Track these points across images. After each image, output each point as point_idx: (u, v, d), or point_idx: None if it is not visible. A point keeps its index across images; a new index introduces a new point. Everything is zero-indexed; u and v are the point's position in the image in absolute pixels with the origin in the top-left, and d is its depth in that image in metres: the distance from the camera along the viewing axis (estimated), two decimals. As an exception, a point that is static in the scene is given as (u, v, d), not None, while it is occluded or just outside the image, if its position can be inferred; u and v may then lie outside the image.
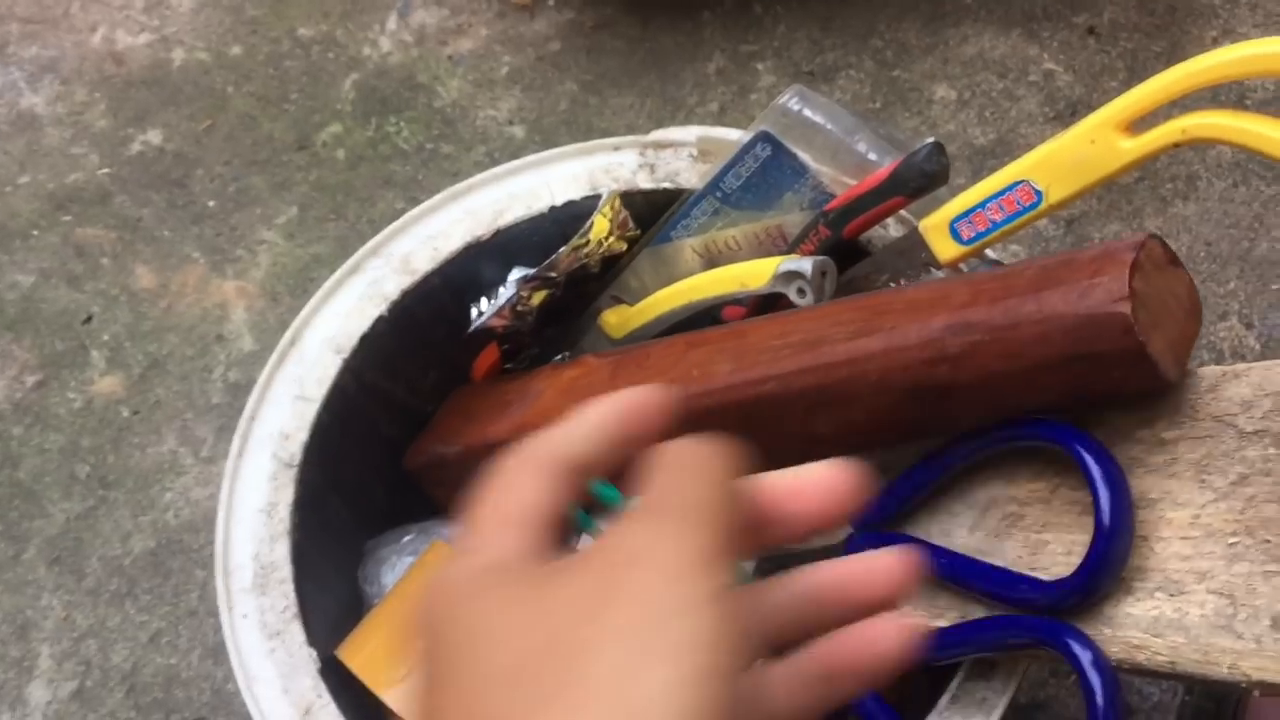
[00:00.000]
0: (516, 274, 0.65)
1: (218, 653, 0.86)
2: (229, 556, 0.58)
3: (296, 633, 0.56)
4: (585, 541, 0.64)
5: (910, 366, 0.47)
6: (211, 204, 1.07)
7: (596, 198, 0.65)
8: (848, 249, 0.61)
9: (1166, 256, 0.44)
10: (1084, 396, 0.45)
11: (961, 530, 0.49)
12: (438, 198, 0.66)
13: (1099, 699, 0.40)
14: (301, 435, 0.61)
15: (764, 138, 0.60)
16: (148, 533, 0.92)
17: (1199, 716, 0.60)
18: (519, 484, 0.30)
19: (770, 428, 0.53)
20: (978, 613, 0.46)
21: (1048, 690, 0.75)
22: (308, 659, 0.55)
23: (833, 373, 0.50)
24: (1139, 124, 0.48)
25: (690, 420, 0.54)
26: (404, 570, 0.63)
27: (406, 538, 0.65)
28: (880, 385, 0.48)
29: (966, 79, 1.01)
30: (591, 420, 0.32)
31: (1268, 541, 0.39)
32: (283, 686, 0.54)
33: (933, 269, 0.56)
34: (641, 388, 0.33)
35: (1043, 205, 0.51)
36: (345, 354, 0.63)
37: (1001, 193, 0.52)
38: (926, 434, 0.50)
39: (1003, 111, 0.98)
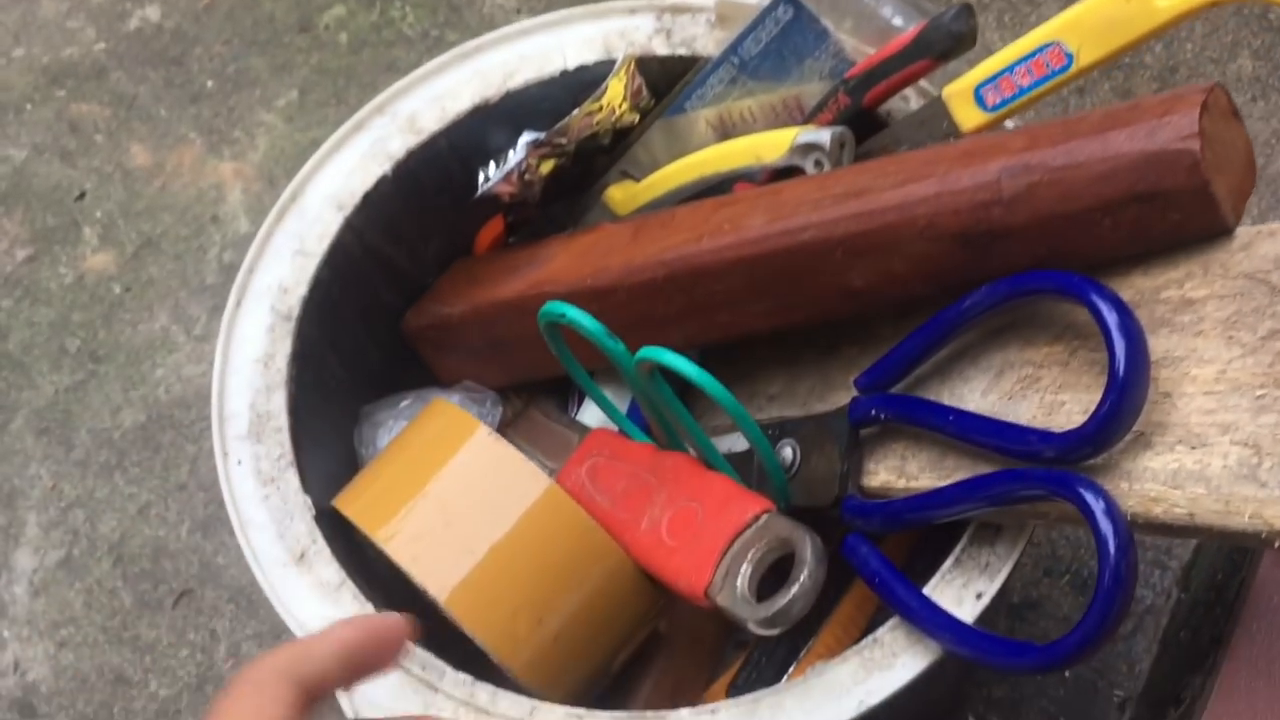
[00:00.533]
0: (527, 138, 0.64)
1: (207, 526, 0.85)
2: (224, 404, 0.57)
3: (291, 480, 0.55)
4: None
5: (962, 210, 0.46)
6: (210, 84, 1.05)
7: (610, 63, 0.64)
8: (867, 121, 0.59)
9: (1230, 107, 0.44)
10: (1139, 242, 0.44)
11: (974, 394, 0.49)
12: (446, 56, 0.64)
13: (1111, 548, 0.39)
14: (300, 289, 0.60)
15: (786, 0, 0.58)
16: (138, 407, 0.91)
17: (1195, 610, 0.60)
18: (256, 699, 0.32)
19: (804, 280, 0.52)
20: (987, 471, 0.46)
21: (1040, 590, 0.75)
22: (303, 505, 0.54)
23: (879, 218, 0.48)
24: (1179, -20, 0.47)
25: (720, 274, 0.54)
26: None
27: (404, 403, 0.64)
28: (928, 231, 0.47)
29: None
30: (334, 639, 0.34)
31: (1295, 394, 0.39)
32: (277, 532, 0.54)
33: (953, 138, 0.54)
34: (384, 616, 0.35)
35: (1073, 68, 0.50)
36: (347, 211, 0.62)
37: (1030, 55, 0.51)
38: (966, 286, 0.49)
39: (1022, 16, 0.97)
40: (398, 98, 0.64)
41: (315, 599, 0.52)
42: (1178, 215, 0.42)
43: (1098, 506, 0.40)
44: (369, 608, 0.52)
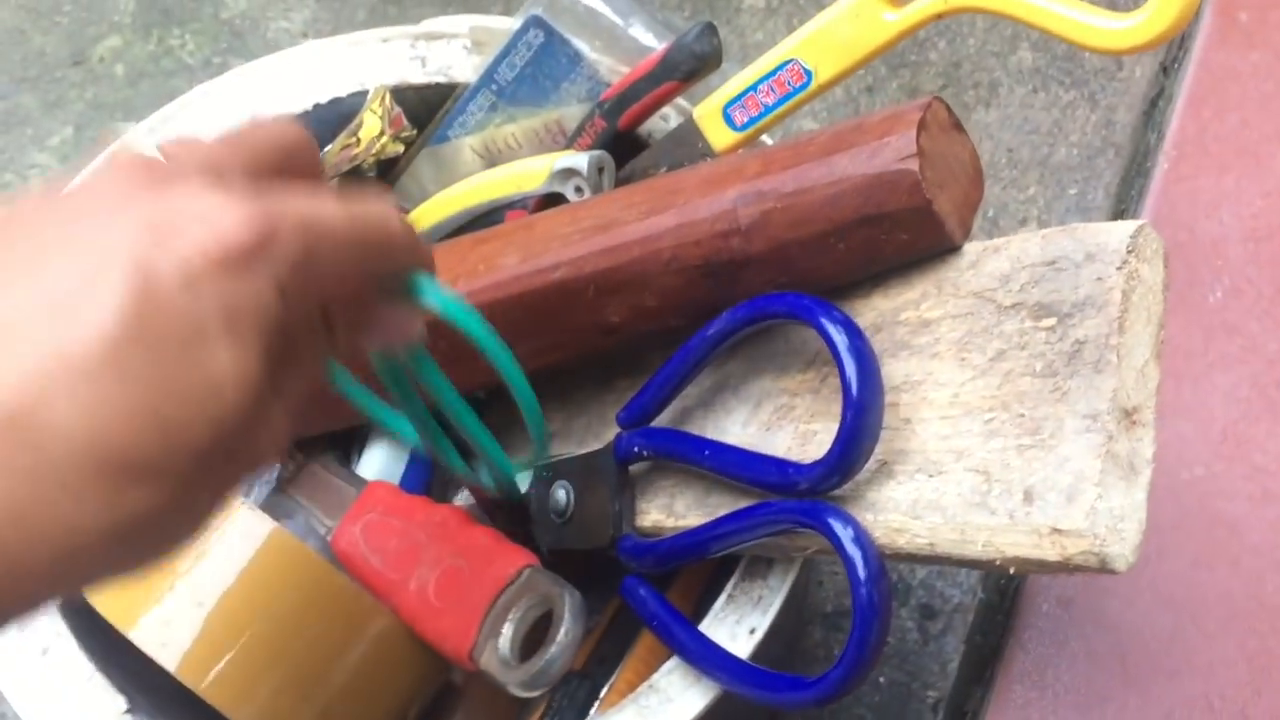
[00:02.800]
0: (280, 178, 0.60)
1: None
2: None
3: (30, 568, 0.51)
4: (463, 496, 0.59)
5: (702, 241, 0.45)
6: (-24, 126, 0.99)
7: (364, 94, 0.61)
8: (629, 142, 0.58)
9: (951, 120, 0.43)
10: (874, 262, 0.43)
11: (736, 425, 0.48)
12: (186, 96, 0.61)
13: (861, 576, 0.38)
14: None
15: (535, 23, 0.57)
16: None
17: (988, 611, 0.60)
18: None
19: (561, 319, 0.50)
20: (746, 505, 0.44)
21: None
22: (42, 595, 0.50)
23: (625, 253, 0.47)
24: (904, -5, 0.46)
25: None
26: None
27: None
28: (673, 264, 0.46)
29: (775, -13, 0.99)
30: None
31: (1022, 415, 0.38)
32: (16, 626, 0.50)
33: (709, 158, 0.53)
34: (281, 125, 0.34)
35: (813, 85, 0.49)
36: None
37: (772, 74, 0.50)
38: (718, 313, 0.48)
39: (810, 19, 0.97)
40: (138, 139, 0.60)
41: (60, 697, 0.48)
42: (905, 235, 0.41)
43: (845, 535, 0.39)
44: (120, 701, 0.48)
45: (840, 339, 0.39)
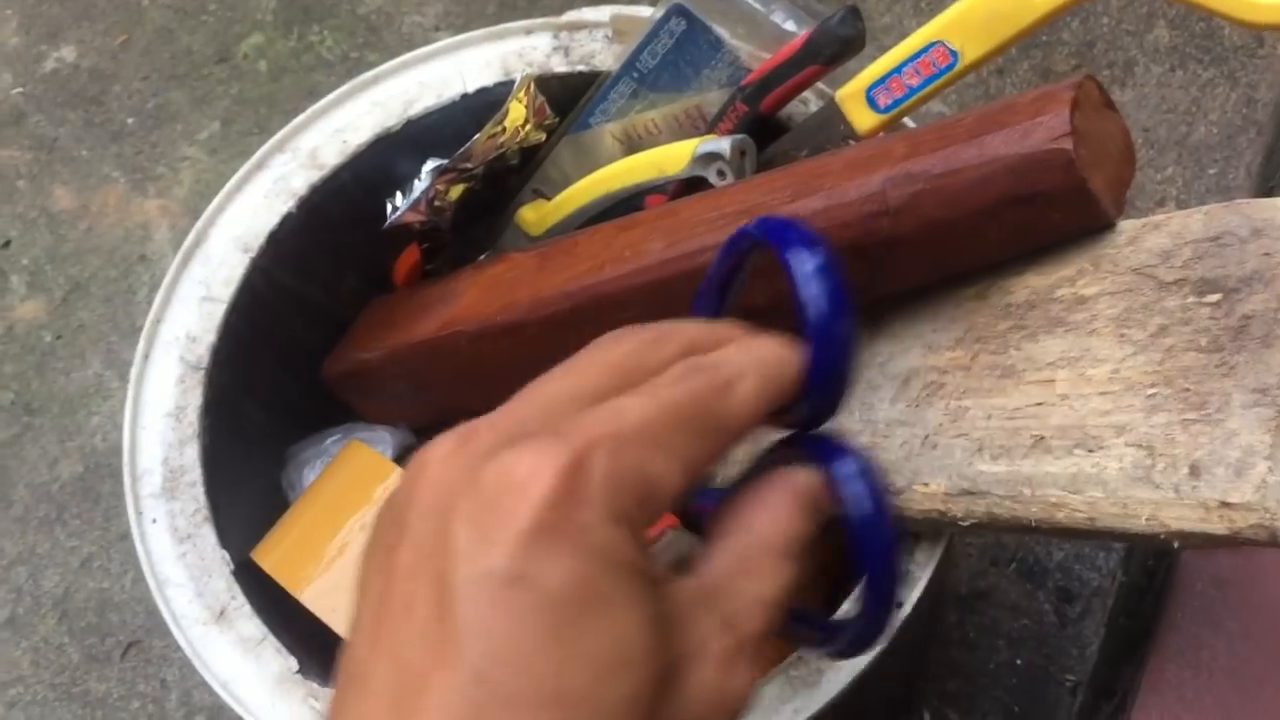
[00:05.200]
0: (431, 165, 0.63)
1: (150, 575, 0.84)
2: (136, 462, 0.56)
3: (208, 535, 0.54)
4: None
5: (851, 222, 0.46)
6: (130, 121, 1.04)
7: (510, 84, 0.63)
8: (769, 126, 0.59)
9: (1102, 99, 0.43)
10: (1026, 242, 0.44)
11: (883, 402, 0.48)
12: (343, 89, 0.63)
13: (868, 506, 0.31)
14: (209, 337, 0.59)
15: (677, 11, 0.58)
16: (75, 458, 0.89)
17: (1132, 595, 0.60)
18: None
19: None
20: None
21: (988, 579, 0.75)
22: (220, 561, 0.53)
23: None
24: (1055, -27, 0.46)
25: (624, 303, 0.53)
26: (325, 474, 0.61)
27: (330, 439, 0.64)
28: None
29: (903, -31, 0.98)
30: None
31: (1186, 390, 0.38)
32: (195, 590, 0.53)
33: (851, 141, 0.54)
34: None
35: (959, 65, 0.49)
36: (253, 253, 0.61)
37: (917, 55, 0.50)
38: (868, 295, 0.49)
39: (938, 2, 0.96)
40: (297, 133, 0.63)
41: (237, 656, 0.51)
42: (1059, 214, 0.42)
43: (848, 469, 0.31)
44: (291, 661, 0.51)
45: (802, 266, 0.32)
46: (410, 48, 1.04)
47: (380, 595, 0.27)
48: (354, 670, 0.27)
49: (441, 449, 0.28)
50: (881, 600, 0.32)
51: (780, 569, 0.29)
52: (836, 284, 0.32)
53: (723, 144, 0.56)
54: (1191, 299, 0.40)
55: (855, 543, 0.31)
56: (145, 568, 0.53)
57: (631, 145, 0.63)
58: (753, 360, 0.31)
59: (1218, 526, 0.35)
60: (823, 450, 0.32)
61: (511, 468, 0.26)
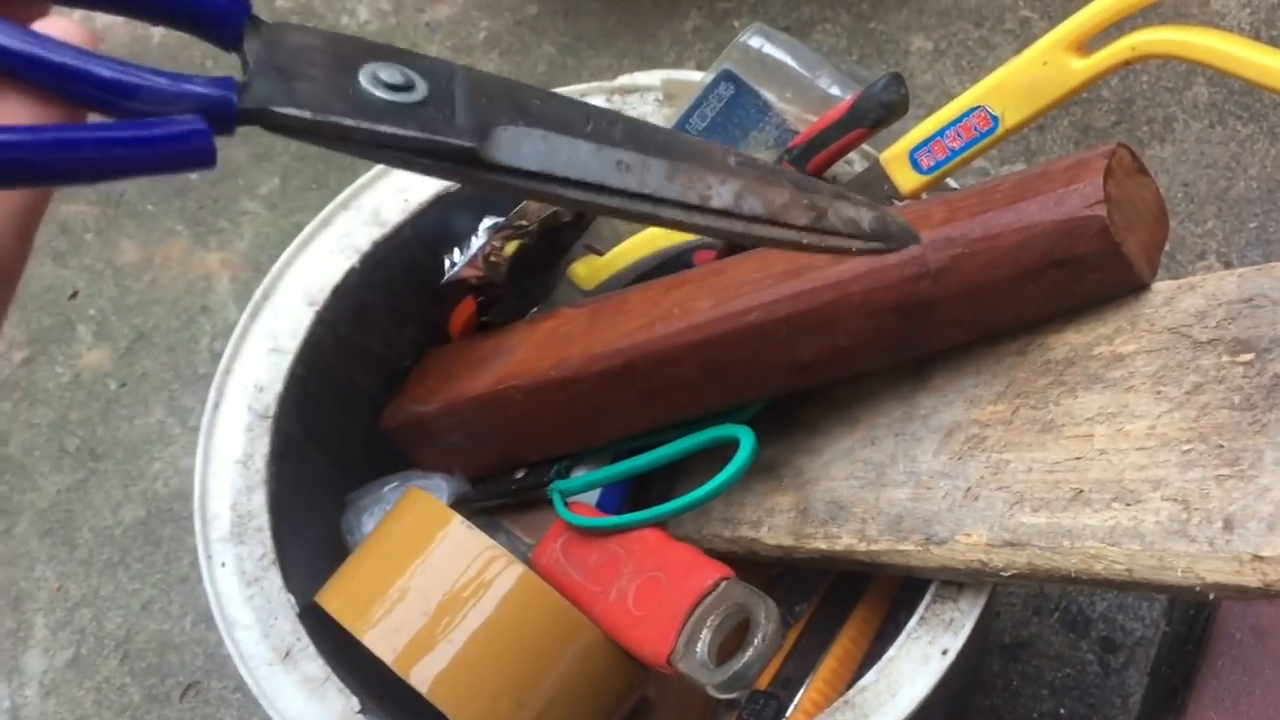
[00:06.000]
0: (488, 223, 0.65)
1: (210, 618, 0.85)
2: (206, 507, 0.58)
3: (274, 579, 0.56)
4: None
5: (893, 285, 0.48)
6: (193, 177, 1.08)
7: (565, 145, 0.65)
8: (814, 187, 0.61)
9: (1135, 164, 0.45)
10: (1062, 303, 0.45)
11: (926, 454, 0.50)
12: (405, 150, 0.66)
13: None
14: (276, 387, 0.62)
15: (727, 76, 0.60)
16: (138, 502, 0.92)
17: (1174, 644, 0.60)
18: None
19: (753, 360, 0.53)
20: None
21: (1030, 629, 0.75)
22: (286, 604, 0.55)
23: (817, 297, 0.50)
24: (1090, 44, 0.48)
25: (674, 359, 0.55)
26: (384, 520, 0.63)
27: (388, 487, 0.66)
28: (864, 307, 0.49)
29: (943, 29, 1.00)
30: None
31: (1220, 446, 0.40)
32: (262, 631, 0.55)
33: (895, 201, 0.56)
34: None
35: (999, 130, 0.51)
36: (318, 306, 0.64)
37: (958, 120, 0.52)
38: (908, 354, 0.51)
39: (979, 60, 0.98)
40: (361, 192, 0.66)
41: (302, 696, 0.53)
42: (1094, 277, 0.43)
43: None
44: (354, 702, 0.53)
45: None
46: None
47: None
48: None
49: None
50: None
51: None
52: None
53: (770, 204, 0.58)
54: (1225, 358, 0.41)
55: None
56: (215, 609, 0.56)
57: (681, 204, 0.65)
58: None
59: (1251, 579, 0.37)
60: None
61: None
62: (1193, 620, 0.60)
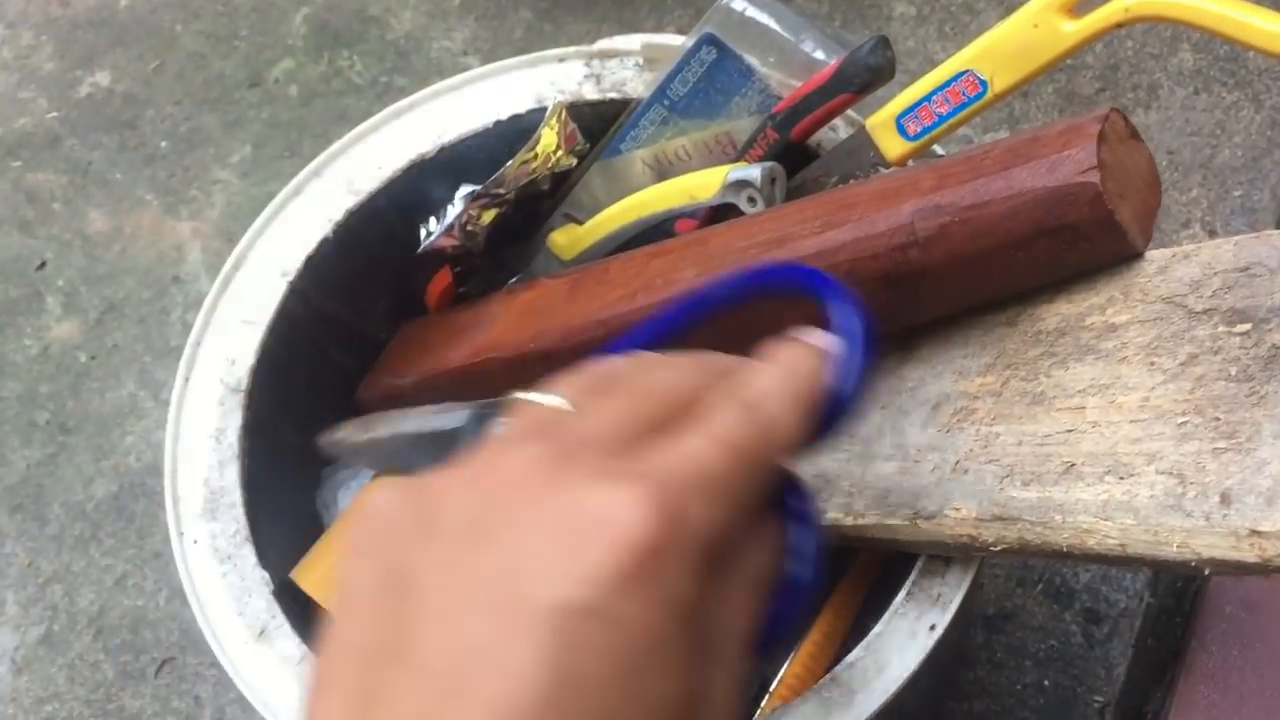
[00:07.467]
0: (464, 191, 0.64)
1: (184, 594, 0.85)
2: (177, 483, 0.57)
3: (248, 556, 0.55)
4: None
5: (880, 254, 0.46)
6: (163, 145, 1.05)
7: (543, 111, 0.64)
8: (799, 153, 0.60)
9: (1128, 129, 0.44)
10: (1054, 272, 0.44)
11: (914, 427, 0.49)
12: (378, 116, 0.64)
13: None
14: (248, 359, 0.60)
15: (708, 40, 0.59)
16: (109, 477, 0.91)
17: (1160, 617, 0.60)
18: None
19: (738, 331, 0.52)
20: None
21: (1014, 600, 0.75)
22: (260, 581, 0.54)
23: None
24: (1081, 6, 0.47)
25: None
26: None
27: (362, 464, 0.64)
28: (851, 276, 0.47)
29: (926, -7, 0.99)
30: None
31: (1217, 419, 0.39)
32: (236, 609, 0.54)
33: (881, 168, 0.55)
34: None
35: (988, 95, 0.50)
36: (291, 277, 0.62)
37: (946, 84, 0.51)
38: (895, 324, 0.49)
39: (963, 25, 0.97)
40: (333, 160, 0.65)
41: (277, 674, 0.52)
42: (1087, 245, 0.42)
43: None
44: (330, 680, 0.52)
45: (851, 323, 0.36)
46: (439, 72, 1.06)
47: (394, 590, 0.27)
48: (368, 682, 0.26)
49: (519, 445, 0.28)
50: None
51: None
52: (871, 344, 0.36)
53: (753, 171, 0.57)
54: (1221, 328, 0.40)
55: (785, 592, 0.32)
56: (187, 587, 0.54)
57: (662, 171, 0.64)
58: (788, 390, 0.32)
59: (1248, 554, 0.36)
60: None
61: (607, 504, 0.26)
62: (1180, 593, 0.59)
